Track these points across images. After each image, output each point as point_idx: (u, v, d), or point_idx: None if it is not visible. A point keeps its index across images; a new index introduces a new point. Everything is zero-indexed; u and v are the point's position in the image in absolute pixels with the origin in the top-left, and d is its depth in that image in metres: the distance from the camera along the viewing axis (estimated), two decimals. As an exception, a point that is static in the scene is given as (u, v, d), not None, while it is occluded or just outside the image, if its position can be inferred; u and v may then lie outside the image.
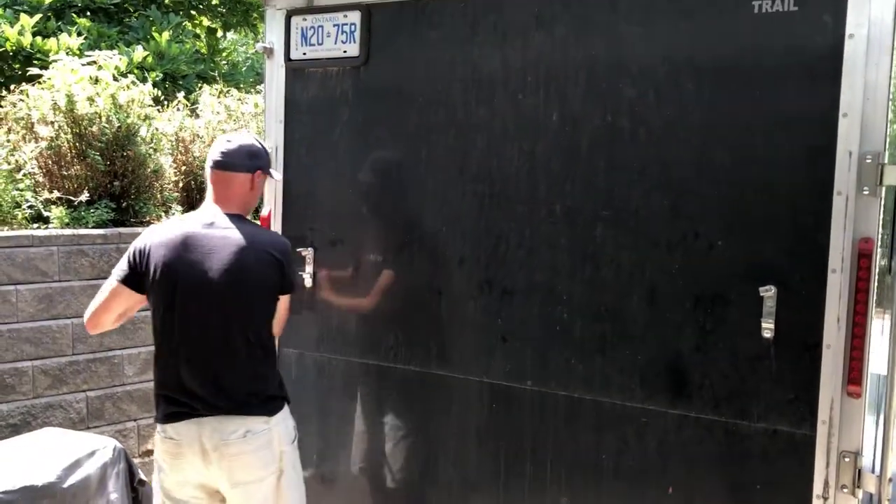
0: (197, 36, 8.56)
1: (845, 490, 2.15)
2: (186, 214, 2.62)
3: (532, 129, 2.55)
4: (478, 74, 2.63)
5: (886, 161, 2.10)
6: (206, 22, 8.93)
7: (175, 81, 6.89)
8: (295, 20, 2.99)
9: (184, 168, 5.52)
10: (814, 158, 2.16)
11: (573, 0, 2.48)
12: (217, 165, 2.51)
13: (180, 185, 5.51)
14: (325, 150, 2.93)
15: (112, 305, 2.45)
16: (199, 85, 6.68)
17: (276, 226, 3.01)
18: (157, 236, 2.43)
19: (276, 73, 3.05)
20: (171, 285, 2.38)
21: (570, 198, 2.49)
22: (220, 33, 9.12)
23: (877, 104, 2.10)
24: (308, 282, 2.91)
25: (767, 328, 2.20)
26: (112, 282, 2.44)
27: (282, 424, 2.47)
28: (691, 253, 2.32)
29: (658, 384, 2.36)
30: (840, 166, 2.12)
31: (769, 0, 2.21)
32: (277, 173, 2.75)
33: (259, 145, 2.59)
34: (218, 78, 7.07)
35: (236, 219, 2.48)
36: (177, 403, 2.40)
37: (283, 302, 2.56)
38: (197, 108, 5.99)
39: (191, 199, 5.54)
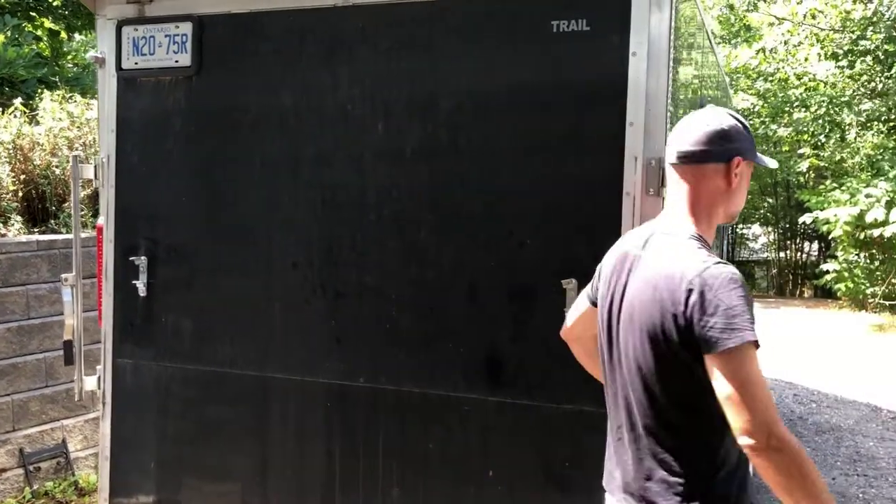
0: (38, 38, 8.18)
1: (642, 460, 2.39)
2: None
3: (360, 138, 2.68)
4: (308, 85, 2.74)
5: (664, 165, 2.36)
6: (47, 24, 8.55)
7: (14, 86, 6.58)
8: (126, 30, 2.99)
9: (23, 177, 5.30)
10: (606, 163, 2.40)
11: (394, 16, 2.63)
12: (674, 159, 1.83)
13: (20, 195, 5.28)
14: (159, 159, 2.95)
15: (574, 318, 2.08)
16: (41, 90, 6.41)
17: (109, 237, 3.00)
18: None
19: (108, 83, 3.04)
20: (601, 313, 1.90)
21: (396, 203, 2.64)
22: (63, 36, 8.75)
23: (657, 114, 2.36)
24: (142, 291, 2.93)
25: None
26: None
27: None
28: (505, 252, 2.52)
29: (478, 374, 2.55)
30: (627, 170, 2.37)
31: (565, 21, 2.43)
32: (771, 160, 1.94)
33: (732, 122, 1.82)
34: (60, 83, 6.81)
35: (675, 234, 1.78)
36: None
37: (714, 367, 1.58)
38: (37, 114, 5.75)
39: (32, 210, 5.33)
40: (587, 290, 2.05)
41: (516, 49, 2.50)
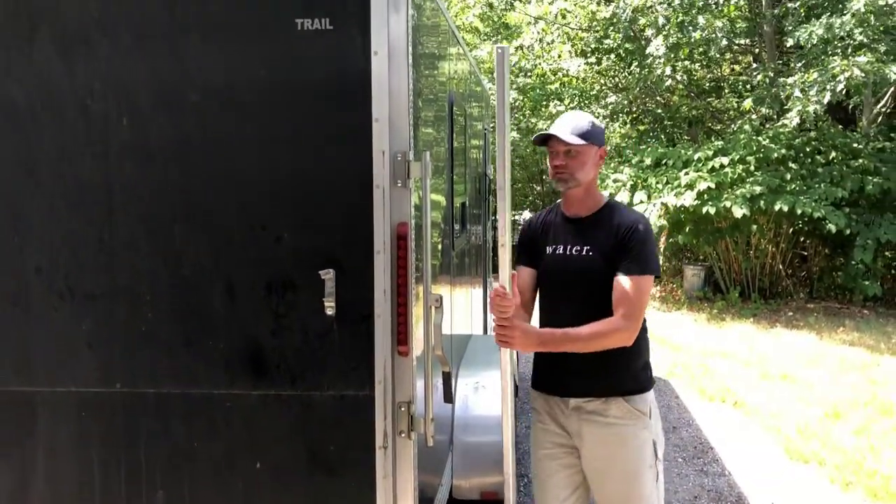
0: None
1: (402, 435, 2.54)
2: None
3: (102, 134, 2.57)
4: (41, 78, 2.58)
5: (412, 159, 2.52)
6: None
7: None
8: None
9: None
10: (357, 158, 2.50)
11: (135, 7, 2.55)
12: None
13: None
14: None
15: None
16: None
17: None
18: None
19: None
20: None
21: (146, 201, 2.57)
22: None
23: (400, 110, 2.50)
24: None
25: (329, 306, 2.51)
26: (652, 280, 2.73)
27: None
28: (262, 246, 2.55)
29: (240, 369, 2.56)
30: (377, 164, 2.49)
31: (309, 19, 2.50)
32: None
33: None
34: None
35: None
36: None
37: None
38: None
39: None
40: None
41: (262, 45, 2.53)
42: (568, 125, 2.74)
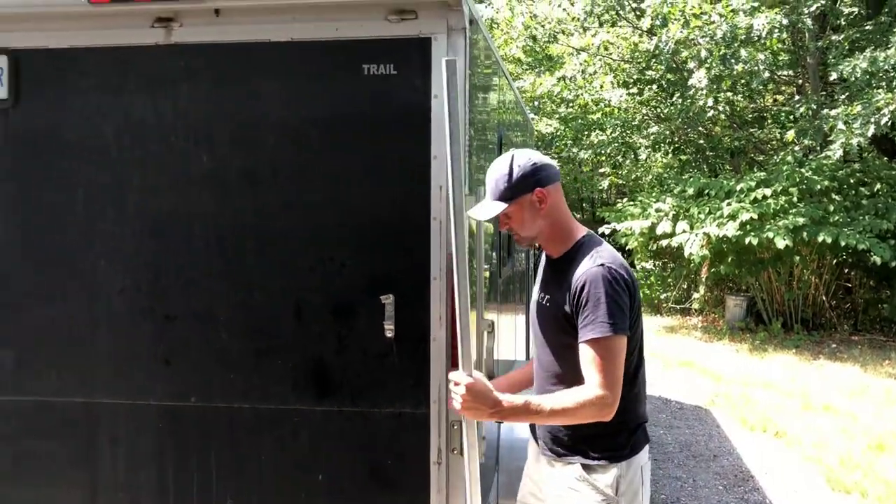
0: None
1: (455, 452, 2.71)
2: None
3: (184, 168, 2.82)
4: (131, 118, 2.85)
5: (467, 193, 2.71)
6: None
7: None
8: (-65, 61, 2.94)
9: None
10: (415, 192, 2.71)
11: (219, 55, 2.80)
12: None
13: None
14: (-26, 191, 2.92)
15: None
16: None
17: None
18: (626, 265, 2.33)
19: (-85, 114, 2.96)
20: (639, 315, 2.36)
21: (222, 230, 2.81)
22: None
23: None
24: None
25: (389, 329, 2.70)
26: (623, 338, 2.20)
27: None
28: (327, 273, 2.76)
29: (307, 387, 2.77)
30: (434, 198, 2.69)
31: (375, 64, 2.73)
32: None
33: None
34: None
35: None
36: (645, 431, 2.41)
37: None
38: None
39: None
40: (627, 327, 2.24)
41: (331, 88, 2.76)
42: (489, 193, 2.40)
